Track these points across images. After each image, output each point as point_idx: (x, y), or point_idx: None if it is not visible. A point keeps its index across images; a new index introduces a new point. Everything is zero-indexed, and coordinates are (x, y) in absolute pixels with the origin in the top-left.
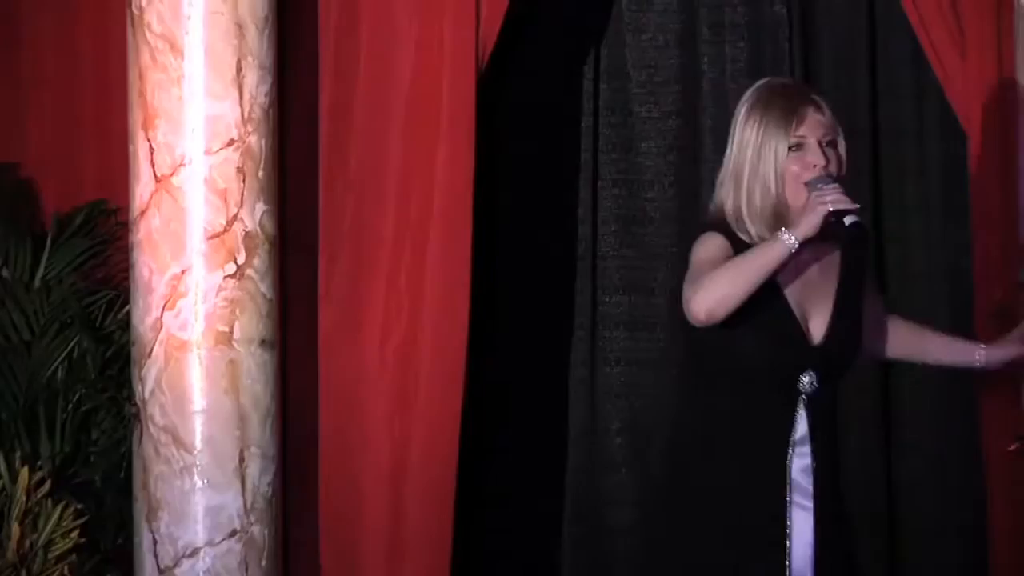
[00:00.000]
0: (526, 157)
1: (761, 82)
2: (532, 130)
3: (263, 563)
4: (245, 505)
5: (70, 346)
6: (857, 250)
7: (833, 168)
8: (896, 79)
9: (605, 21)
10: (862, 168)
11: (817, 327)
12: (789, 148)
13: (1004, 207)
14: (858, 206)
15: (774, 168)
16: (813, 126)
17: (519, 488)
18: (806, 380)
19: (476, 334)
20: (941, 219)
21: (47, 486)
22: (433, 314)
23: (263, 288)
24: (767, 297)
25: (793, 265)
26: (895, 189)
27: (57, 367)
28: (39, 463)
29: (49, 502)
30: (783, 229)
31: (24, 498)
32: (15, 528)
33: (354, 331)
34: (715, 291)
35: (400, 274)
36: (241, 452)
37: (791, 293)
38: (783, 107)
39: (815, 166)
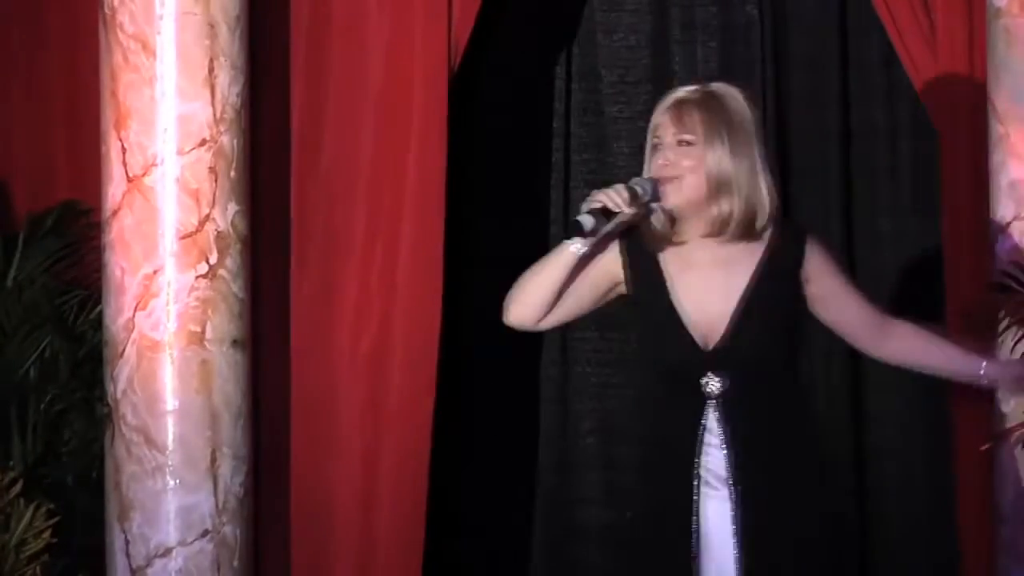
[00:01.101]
0: (498, 157)
1: None
2: (504, 130)
3: (235, 563)
4: (217, 505)
5: (42, 346)
6: (784, 252)
7: (686, 166)
8: (867, 79)
9: (577, 21)
10: (833, 168)
11: (718, 329)
12: (653, 148)
13: (975, 207)
14: (597, 205)
15: (648, 169)
16: (666, 127)
17: (490, 488)
18: (708, 382)
19: (447, 334)
20: (912, 219)
21: (19, 486)
22: (404, 314)
23: (235, 288)
24: (655, 300)
25: (690, 267)
26: (866, 189)
27: (29, 367)
28: (11, 463)
29: (21, 502)
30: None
31: None
32: None
33: (326, 331)
34: (515, 297)
35: (372, 274)
36: (213, 452)
37: (685, 295)
38: (657, 110)
39: (664, 164)
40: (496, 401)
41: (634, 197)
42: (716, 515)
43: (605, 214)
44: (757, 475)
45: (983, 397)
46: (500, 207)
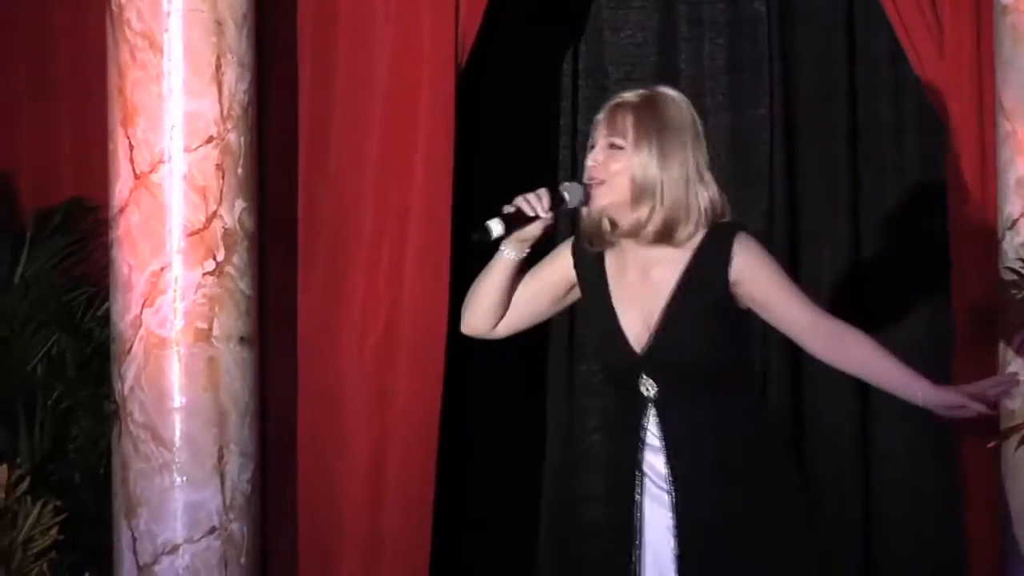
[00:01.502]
0: (505, 155)
1: None
2: (511, 128)
3: (242, 560)
4: (224, 502)
5: (49, 343)
6: (710, 254)
7: (614, 169)
8: (874, 76)
9: (584, 19)
10: (841, 165)
11: (648, 333)
12: (590, 149)
13: (982, 204)
14: (511, 210)
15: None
16: (600, 128)
17: (497, 486)
18: (644, 385)
19: (454, 332)
20: (919, 216)
21: (26, 483)
22: (412, 311)
23: (242, 285)
24: (597, 302)
25: (626, 269)
26: (874, 186)
27: (36, 364)
28: (18, 460)
29: (28, 499)
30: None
31: (3, 495)
32: None
33: (333, 328)
34: (465, 305)
35: (379, 271)
36: (220, 449)
37: (620, 298)
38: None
39: (593, 164)
40: (502, 399)
41: (557, 202)
42: (657, 514)
43: (519, 219)
44: (694, 476)
45: None
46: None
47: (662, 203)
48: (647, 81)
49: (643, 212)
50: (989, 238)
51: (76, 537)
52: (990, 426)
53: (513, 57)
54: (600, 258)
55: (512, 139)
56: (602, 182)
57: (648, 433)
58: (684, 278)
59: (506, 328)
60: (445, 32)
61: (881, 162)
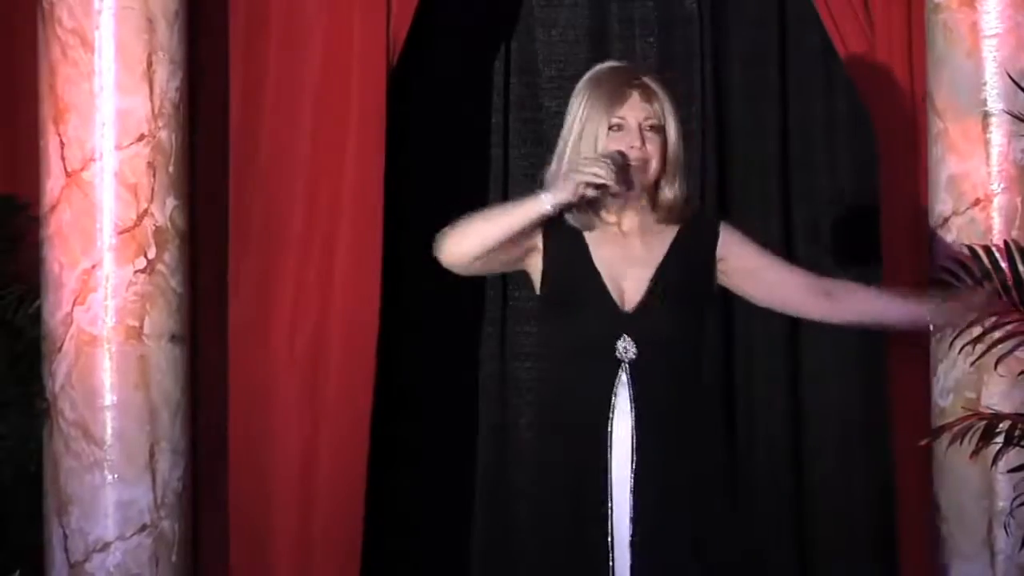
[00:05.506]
0: (436, 153)
1: (600, 65)
2: (443, 125)
3: (173, 558)
4: (155, 500)
5: None
6: (699, 229)
7: (651, 151)
8: (806, 74)
9: (515, 16)
10: (773, 163)
11: (631, 296)
12: (609, 128)
13: (914, 202)
14: (605, 183)
15: (594, 147)
16: (634, 109)
17: (429, 483)
18: (621, 346)
19: (386, 329)
20: (851, 214)
21: None
22: (343, 309)
23: (173, 283)
24: (577, 269)
25: (613, 235)
26: (805, 185)
27: None
28: None
29: None
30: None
31: None
32: None
33: (264, 326)
34: (461, 235)
35: (310, 269)
36: (151, 447)
37: (603, 265)
38: (608, 89)
39: (632, 147)
40: (435, 396)
41: (619, 172)
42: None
43: (596, 187)
44: (662, 450)
45: (922, 392)
46: (438, 201)
47: (685, 180)
48: (578, 79)
49: (675, 191)
50: (921, 236)
51: (7, 535)
52: (923, 422)
53: (444, 56)
54: (576, 231)
55: (443, 137)
56: (646, 162)
57: (617, 395)
58: (673, 249)
59: (475, 269)
60: (376, 31)
61: (813, 161)
